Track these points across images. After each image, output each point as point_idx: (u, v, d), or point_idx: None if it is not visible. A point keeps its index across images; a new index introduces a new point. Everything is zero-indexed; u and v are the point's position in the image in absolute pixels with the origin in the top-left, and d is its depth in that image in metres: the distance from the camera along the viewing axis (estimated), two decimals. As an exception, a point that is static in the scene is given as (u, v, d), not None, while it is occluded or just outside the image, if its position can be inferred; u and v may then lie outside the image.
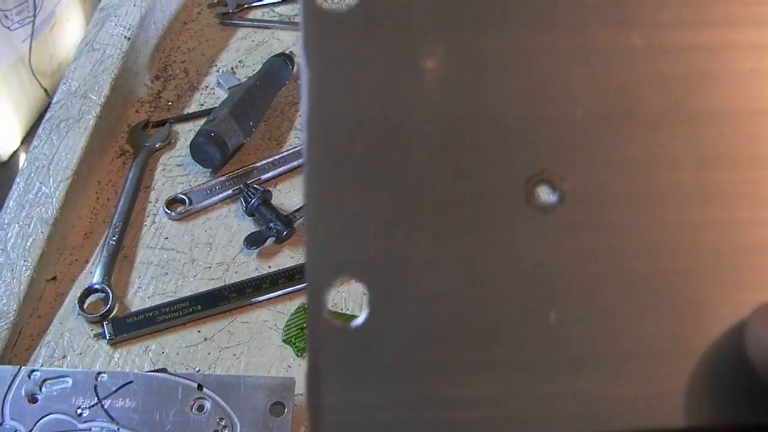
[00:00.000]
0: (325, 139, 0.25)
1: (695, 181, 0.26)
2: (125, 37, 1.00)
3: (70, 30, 1.13)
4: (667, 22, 0.26)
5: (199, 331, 0.79)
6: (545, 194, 0.25)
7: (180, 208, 0.91)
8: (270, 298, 0.82)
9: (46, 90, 1.09)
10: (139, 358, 0.77)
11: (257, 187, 0.90)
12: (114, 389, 0.71)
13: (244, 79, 1.02)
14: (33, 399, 0.71)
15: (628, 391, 0.24)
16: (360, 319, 0.25)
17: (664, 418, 0.24)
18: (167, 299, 0.81)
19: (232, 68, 1.07)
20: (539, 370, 0.24)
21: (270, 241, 0.87)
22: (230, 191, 0.92)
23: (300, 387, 0.74)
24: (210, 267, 0.85)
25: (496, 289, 0.25)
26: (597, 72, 0.26)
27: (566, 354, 0.24)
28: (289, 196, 0.92)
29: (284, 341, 0.80)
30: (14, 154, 1.06)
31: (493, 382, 0.24)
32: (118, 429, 0.69)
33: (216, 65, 1.07)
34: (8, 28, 1.00)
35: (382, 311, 0.25)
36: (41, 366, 0.76)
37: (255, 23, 1.12)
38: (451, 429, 0.24)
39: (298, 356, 0.79)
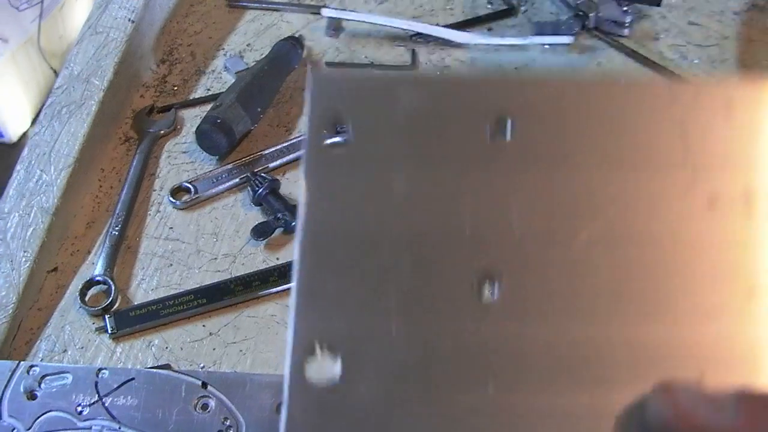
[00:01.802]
0: (314, 241, 0.33)
1: (607, 286, 0.33)
2: (129, 20, 0.97)
3: (79, 10, 1.10)
4: (587, 163, 0.34)
5: (204, 326, 0.77)
6: (487, 291, 0.33)
7: (185, 197, 0.88)
8: (278, 292, 0.79)
9: (55, 71, 1.06)
10: (141, 353, 0.74)
11: (265, 175, 0.87)
12: (115, 386, 0.69)
13: (252, 63, 0.99)
14: (32, 396, 0.68)
15: None
16: (333, 383, 0.31)
17: None
18: (171, 292, 0.79)
19: (239, 52, 1.03)
20: (480, 429, 0.31)
21: (278, 231, 0.84)
22: (237, 180, 0.89)
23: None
24: (216, 258, 0.82)
25: (447, 364, 0.31)
26: (529, 205, 0.34)
27: (501, 417, 0.31)
28: (298, 185, 0.89)
29: (292, 337, 0.77)
30: (24, 136, 1.03)
31: None
32: (120, 428, 0.67)
33: (223, 48, 1.04)
34: (17, 8, 0.98)
35: (351, 377, 0.31)
36: (41, 361, 0.74)
37: (264, 5, 1.09)
38: None
39: (306, 353, 0.76)
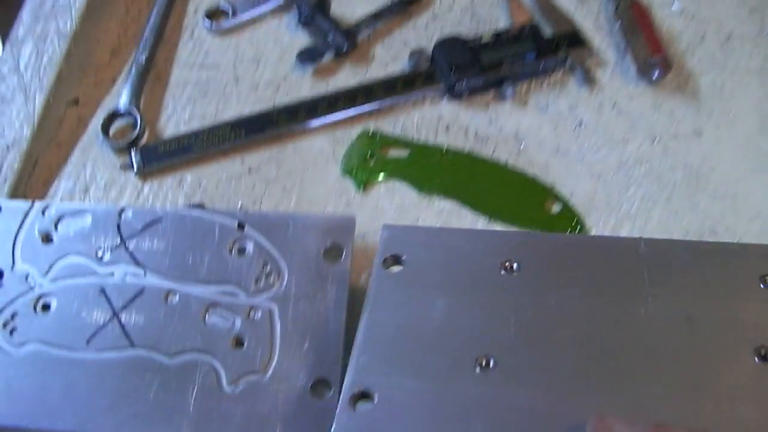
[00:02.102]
0: (371, 327, 0.50)
1: (574, 368, 0.46)
2: None
3: None
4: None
5: (242, 161, 0.66)
6: (486, 366, 0.47)
7: (223, 20, 0.76)
8: (327, 123, 0.68)
9: None
10: (171, 191, 0.65)
11: (312, -10, 0.73)
12: (140, 228, 0.60)
13: None
14: (47, 239, 0.60)
15: None
16: (369, 411, 0.46)
17: None
18: (206, 124, 0.68)
19: None
20: None
21: (328, 56, 0.72)
22: (281, -2, 0.76)
23: (362, 226, 0.61)
24: (257, 87, 0.71)
25: (453, 413, 0.45)
26: (524, 316, 0.49)
27: None
28: (351, 3, 0.76)
29: (344, 173, 0.66)
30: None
31: None
32: (145, 273, 0.58)
33: None
34: None
35: (383, 409, 0.46)
36: (61, 201, 0.65)
37: None
38: None
39: (359, 190, 0.65)
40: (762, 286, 0.48)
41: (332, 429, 0.45)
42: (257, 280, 0.58)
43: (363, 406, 0.46)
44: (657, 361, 0.45)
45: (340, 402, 0.46)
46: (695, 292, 0.48)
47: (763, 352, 0.45)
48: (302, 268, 0.58)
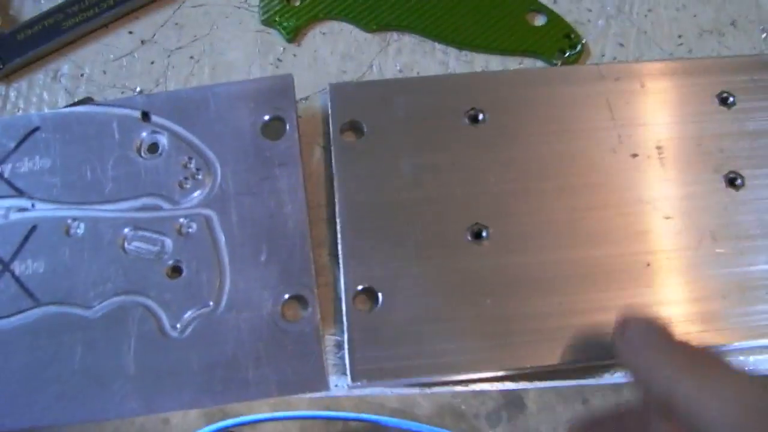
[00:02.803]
0: (348, 210, 0.43)
1: (566, 223, 0.44)
2: None
3: None
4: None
5: (131, 33, 0.51)
6: (478, 234, 0.44)
7: None
8: (230, -38, 0.52)
9: None
10: (47, 90, 0.49)
11: None
12: (13, 146, 0.45)
13: None
14: None
15: (532, 338, 0.42)
16: (375, 309, 0.42)
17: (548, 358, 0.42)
18: (73, -6, 0.51)
19: None
20: (477, 335, 0.42)
21: None
22: None
23: (301, 87, 0.47)
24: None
25: (456, 290, 0.42)
26: (502, 171, 0.45)
27: (497, 320, 0.42)
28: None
29: (264, 23, 0.51)
30: None
31: (452, 342, 0.41)
32: (32, 204, 0.43)
33: None
34: None
35: (388, 305, 0.42)
36: None
37: None
38: (430, 368, 0.41)
39: (288, 40, 0.50)
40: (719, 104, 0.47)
41: (345, 338, 0.41)
42: (182, 183, 0.44)
43: (366, 302, 0.43)
44: (641, 199, 0.45)
45: (345, 307, 0.42)
46: (661, 119, 0.47)
47: (730, 176, 0.46)
48: (237, 155, 0.44)
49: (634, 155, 0.46)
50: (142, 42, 0.50)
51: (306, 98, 0.48)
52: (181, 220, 0.43)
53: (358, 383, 0.40)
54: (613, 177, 0.45)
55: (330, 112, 0.45)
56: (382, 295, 0.42)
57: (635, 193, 0.45)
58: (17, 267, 0.42)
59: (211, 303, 0.41)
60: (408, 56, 0.50)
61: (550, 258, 0.43)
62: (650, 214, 0.45)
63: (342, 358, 0.42)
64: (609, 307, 0.42)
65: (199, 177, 0.43)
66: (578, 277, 0.43)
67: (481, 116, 0.46)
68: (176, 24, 0.51)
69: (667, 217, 0.45)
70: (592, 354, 0.41)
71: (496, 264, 0.43)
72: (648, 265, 0.43)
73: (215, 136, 0.44)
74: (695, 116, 0.47)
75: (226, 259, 0.42)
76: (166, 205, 0.43)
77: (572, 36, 0.50)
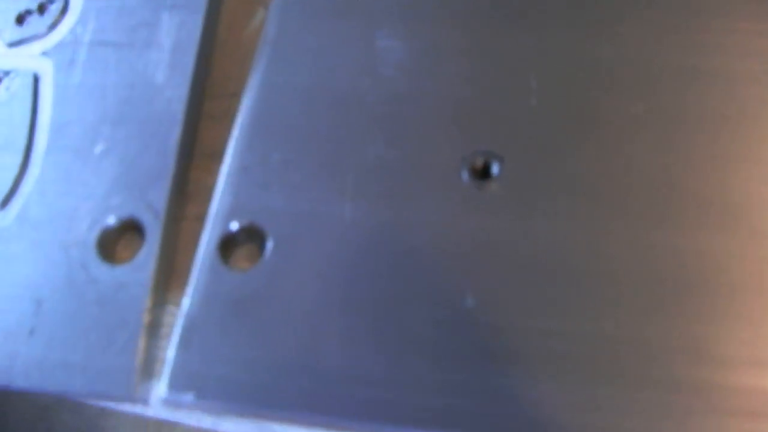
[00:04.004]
0: (259, 98, 0.25)
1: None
2: None
3: None
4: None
5: None
6: (484, 171, 0.24)
7: None
8: None
9: None
10: None
11: None
12: None
13: None
14: None
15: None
16: (253, 268, 0.22)
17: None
18: None
19: None
20: (444, 365, 0.21)
21: None
22: None
23: None
24: None
25: (413, 261, 0.22)
26: (554, 72, 0.25)
27: (480, 333, 0.22)
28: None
29: None
30: None
31: (385, 365, 0.21)
32: None
33: None
34: None
35: (279, 264, 0.22)
36: None
37: None
38: (326, 404, 0.21)
39: None
40: None
41: (182, 310, 0.22)
42: (21, 17, 0.27)
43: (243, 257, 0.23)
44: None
45: (201, 250, 0.23)
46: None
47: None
48: None
49: None
50: None
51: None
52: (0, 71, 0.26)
53: (181, 397, 0.21)
54: (755, 117, 0.24)
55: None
56: (273, 243, 0.23)
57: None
58: None
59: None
60: None
61: (613, 238, 0.23)
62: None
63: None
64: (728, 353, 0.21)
65: (51, 10, 0.26)
66: (666, 284, 0.22)
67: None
68: None
69: None
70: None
71: (499, 229, 0.23)
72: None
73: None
74: None
75: (41, 141, 0.24)
76: (-13, 45, 0.26)
77: None
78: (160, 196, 0.23)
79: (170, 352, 0.21)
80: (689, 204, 0.23)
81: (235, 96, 0.27)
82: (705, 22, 0.26)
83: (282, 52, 0.26)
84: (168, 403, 0.21)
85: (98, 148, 0.24)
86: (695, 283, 0.22)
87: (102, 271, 0.23)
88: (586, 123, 0.24)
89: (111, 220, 0.23)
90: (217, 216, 0.23)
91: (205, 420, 0.23)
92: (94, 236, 0.23)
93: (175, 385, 0.21)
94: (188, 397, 0.21)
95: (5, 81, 0.26)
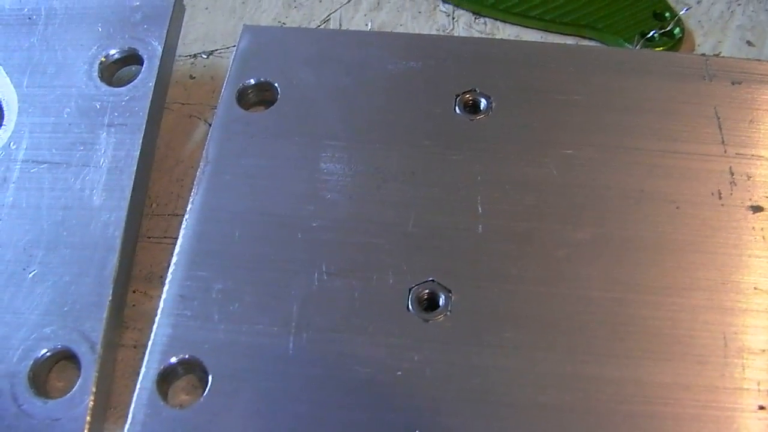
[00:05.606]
0: (200, 222, 0.24)
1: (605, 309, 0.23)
2: None
3: None
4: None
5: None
6: (431, 302, 0.23)
7: None
8: None
9: None
10: None
11: None
12: None
13: None
14: None
15: None
16: (195, 405, 0.21)
17: None
18: None
19: None
20: None
21: None
22: None
23: (210, 40, 0.29)
24: None
25: (359, 397, 0.21)
26: (500, 197, 0.25)
27: None
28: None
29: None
30: None
31: None
32: None
33: None
34: None
35: (221, 400, 0.21)
36: None
37: None
38: None
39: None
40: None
41: None
42: None
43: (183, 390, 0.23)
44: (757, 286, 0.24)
45: (139, 386, 0.22)
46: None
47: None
48: (52, 100, 0.26)
49: (755, 208, 0.25)
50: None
51: (210, 53, 0.30)
52: (-73, 189, 0.25)
53: None
54: (714, 241, 0.25)
55: (231, 64, 0.28)
56: (213, 380, 0.22)
57: (750, 275, 0.24)
58: None
59: None
60: (391, 13, 0.31)
61: (559, 371, 0.22)
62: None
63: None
64: None
65: (-11, 127, 0.26)
66: (614, 416, 0.22)
67: (483, 104, 0.27)
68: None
69: None
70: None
71: (446, 361, 0.22)
72: (761, 409, 0.22)
73: (31, 67, 0.26)
74: None
75: (-33, 264, 0.23)
76: None
77: (666, 15, 0.31)
78: (96, 326, 0.23)
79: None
80: (637, 335, 0.23)
81: (175, 216, 0.26)
82: (650, 145, 0.26)
83: (223, 174, 0.25)
84: None
85: (31, 273, 0.23)
86: (639, 413, 0.22)
87: (34, 405, 0.22)
88: (532, 251, 0.24)
89: (44, 351, 0.23)
90: (155, 350, 0.22)
91: None
92: (25, 368, 0.22)
93: None
94: None
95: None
